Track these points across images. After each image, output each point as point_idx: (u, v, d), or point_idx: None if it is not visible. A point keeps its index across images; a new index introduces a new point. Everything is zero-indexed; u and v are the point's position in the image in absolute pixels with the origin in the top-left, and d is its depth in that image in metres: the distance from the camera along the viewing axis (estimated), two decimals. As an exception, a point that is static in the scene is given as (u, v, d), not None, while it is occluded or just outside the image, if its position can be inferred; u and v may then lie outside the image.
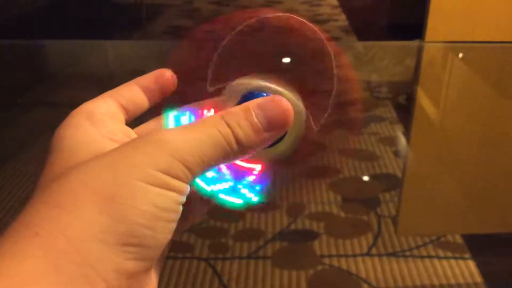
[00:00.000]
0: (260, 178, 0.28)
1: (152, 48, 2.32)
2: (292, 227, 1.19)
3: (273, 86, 0.27)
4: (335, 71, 0.28)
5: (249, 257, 1.09)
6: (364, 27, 3.05)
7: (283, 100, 0.26)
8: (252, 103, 0.26)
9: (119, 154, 0.24)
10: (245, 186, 0.28)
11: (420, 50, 2.32)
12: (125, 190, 0.22)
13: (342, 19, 3.18)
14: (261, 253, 1.10)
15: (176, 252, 1.10)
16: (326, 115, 0.28)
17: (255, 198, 0.28)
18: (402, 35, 2.49)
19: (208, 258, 1.09)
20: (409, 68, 2.30)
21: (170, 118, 0.28)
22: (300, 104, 0.27)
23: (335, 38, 2.80)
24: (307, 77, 0.30)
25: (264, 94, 0.27)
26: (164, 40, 2.73)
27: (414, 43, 2.31)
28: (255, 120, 0.25)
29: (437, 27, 2.21)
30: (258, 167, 0.28)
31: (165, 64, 0.31)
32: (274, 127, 0.26)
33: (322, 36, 0.28)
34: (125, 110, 0.29)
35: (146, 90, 0.29)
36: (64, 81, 2.12)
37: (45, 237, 0.21)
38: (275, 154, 0.28)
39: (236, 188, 0.28)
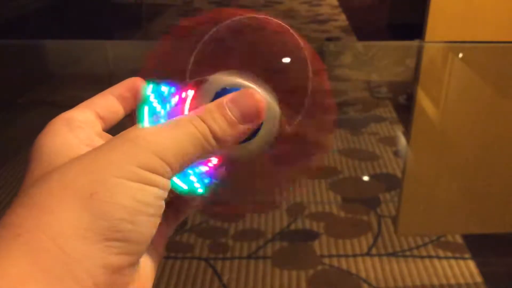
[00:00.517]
0: (213, 172, 0.28)
1: (152, 48, 2.32)
2: (292, 227, 1.19)
3: (246, 82, 0.28)
4: (310, 74, 0.29)
5: (249, 257, 1.09)
6: (364, 27, 3.05)
7: (255, 92, 0.27)
8: (225, 98, 0.27)
9: (96, 154, 0.24)
10: (194, 174, 0.28)
11: (420, 50, 2.32)
12: (104, 187, 0.23)
13: (342, 19, 3.18)
14: (261, 253, 1.10)
15: (176, 252, 1.10)
16: (299, 116, 0.29)
17: (200, 189, 0.28)
18: (402, 35, 2.49)
19: (208, 258, 1.09)
20: (409, 68, 2.30)
21: (149, 88, 0.29)
22: (273, 101, 0.28)
23: (335, 38, 2.80)
24: (282, 78, 0.30)
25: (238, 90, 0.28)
26: (164, 40, 2.73)
27: (414, 43, 2.31)
28: (229, 113, 0.26)
29: (437, 27, 2.21)
30: (214, 160, 0.28)
31: (150, 59, 0.31)
32: (248, 119, 0.26)
33: (299, 38, 0.29)
34: (102, 119, 0.29)
35: (120, 99, 0.30)
36: (64, 81, 2.11)
37: (27, 237, 0.21)
38: (250, 148, 0.28)
39: (186, 173, 0.28)
